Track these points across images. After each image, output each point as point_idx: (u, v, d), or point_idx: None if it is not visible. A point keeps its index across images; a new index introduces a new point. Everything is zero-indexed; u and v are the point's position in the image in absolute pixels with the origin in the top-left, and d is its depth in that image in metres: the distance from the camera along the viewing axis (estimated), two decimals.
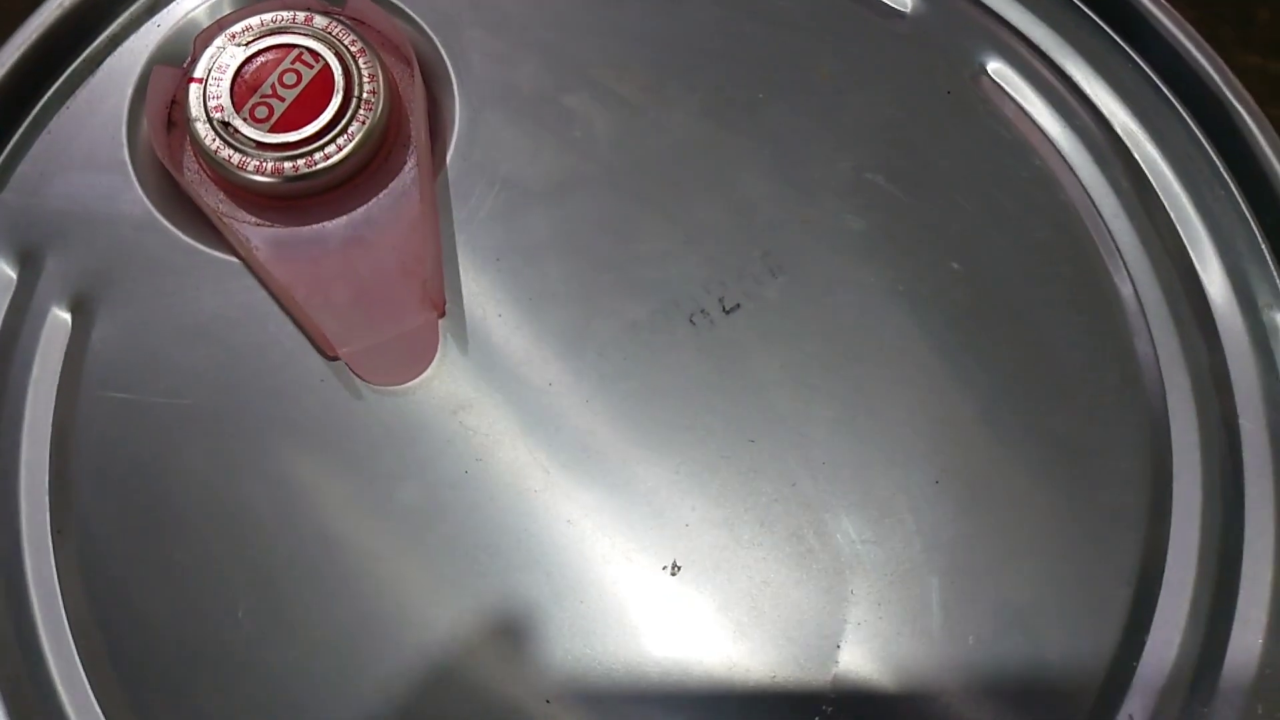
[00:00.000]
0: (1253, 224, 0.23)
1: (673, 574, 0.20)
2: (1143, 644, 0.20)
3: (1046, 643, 0.20)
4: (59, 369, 0.21)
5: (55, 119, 0.23)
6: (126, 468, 0.21)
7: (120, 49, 0.24)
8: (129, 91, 0.23)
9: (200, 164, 0.23)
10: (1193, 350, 0.22)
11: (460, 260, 0.22)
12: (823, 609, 0.20)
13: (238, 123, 0.22)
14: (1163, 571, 0.20)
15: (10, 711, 0.20)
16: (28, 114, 0.23)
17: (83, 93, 0.23)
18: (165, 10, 0.24)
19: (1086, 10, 0.25)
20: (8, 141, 0.23)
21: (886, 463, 0.21)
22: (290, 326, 0.22)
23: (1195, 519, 0.21)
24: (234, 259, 0.22)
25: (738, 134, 0.24)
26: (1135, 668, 0.20)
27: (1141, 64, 0.24)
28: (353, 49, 0.23)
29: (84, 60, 0.24)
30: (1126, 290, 0.23)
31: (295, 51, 0.23)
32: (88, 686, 0.20)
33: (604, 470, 0.21)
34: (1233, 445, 0.22)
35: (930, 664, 0.20)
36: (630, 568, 0.20)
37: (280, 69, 0.23)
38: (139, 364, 0.22)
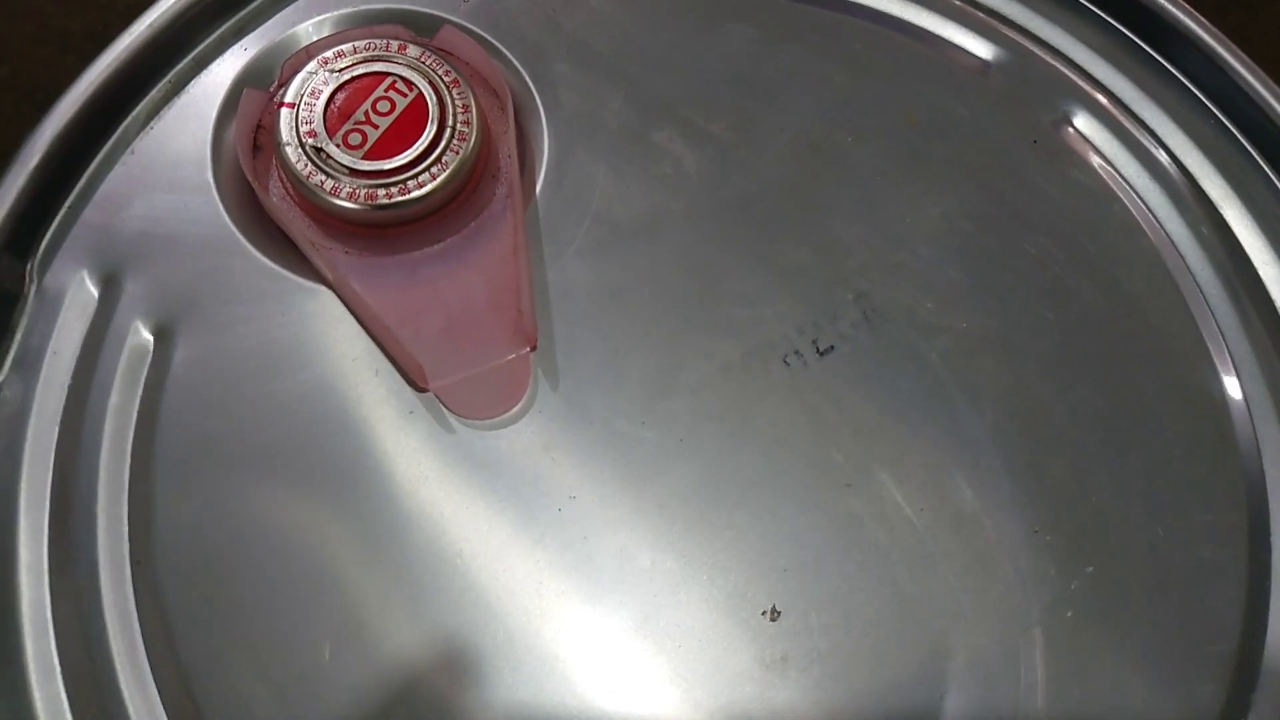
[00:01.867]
0: None
1: (772, 619, 0.20)
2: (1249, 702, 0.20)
3: (1144, 699, 0.20)
4: (139, 393, 0.21)
5: (139, 139, 0.23)
6: (206, 499, 0.20)
7: (206, 71, 0.24)
8: (214, 114, 0.23)
9: (288, 189, 0.23)
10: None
11: (550, 294, 0.22)
12: (923, 658, 0.20)
13: (330, 148, 0.22)
14: (1265, 630, 0.20)
15: None
16: (112, 134, 0.23)
17: (168, 114, 0.23)
18: (252, 34, 0.24)
19: (1167, 64, 0.25)
20: (91, 160, 0.23)
21: (984, 512, 0.21)
22: (379, 357, 0.21)
23: None
24: (319, 285, 0.22)
25: (827, 177, 0.24)
26: None
27: (1223, 118, 0.25)
28: (446, 79, 0.23)
29: (169, 82, 0.23)
30: (1215, 339, 0.23)
31: (389, 80, 0.22)
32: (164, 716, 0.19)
33: (699, 513, 0.21)
34: None
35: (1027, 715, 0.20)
36: (729, 612, 0.20)
37: (374, 96, 0.22)
38: (221, 392, 0.21)
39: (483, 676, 0.19)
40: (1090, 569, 0.21)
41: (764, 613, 0.20)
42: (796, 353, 0.22)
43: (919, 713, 0.20)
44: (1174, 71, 0.25)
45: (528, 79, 0.24)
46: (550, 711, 0.19)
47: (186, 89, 0.23)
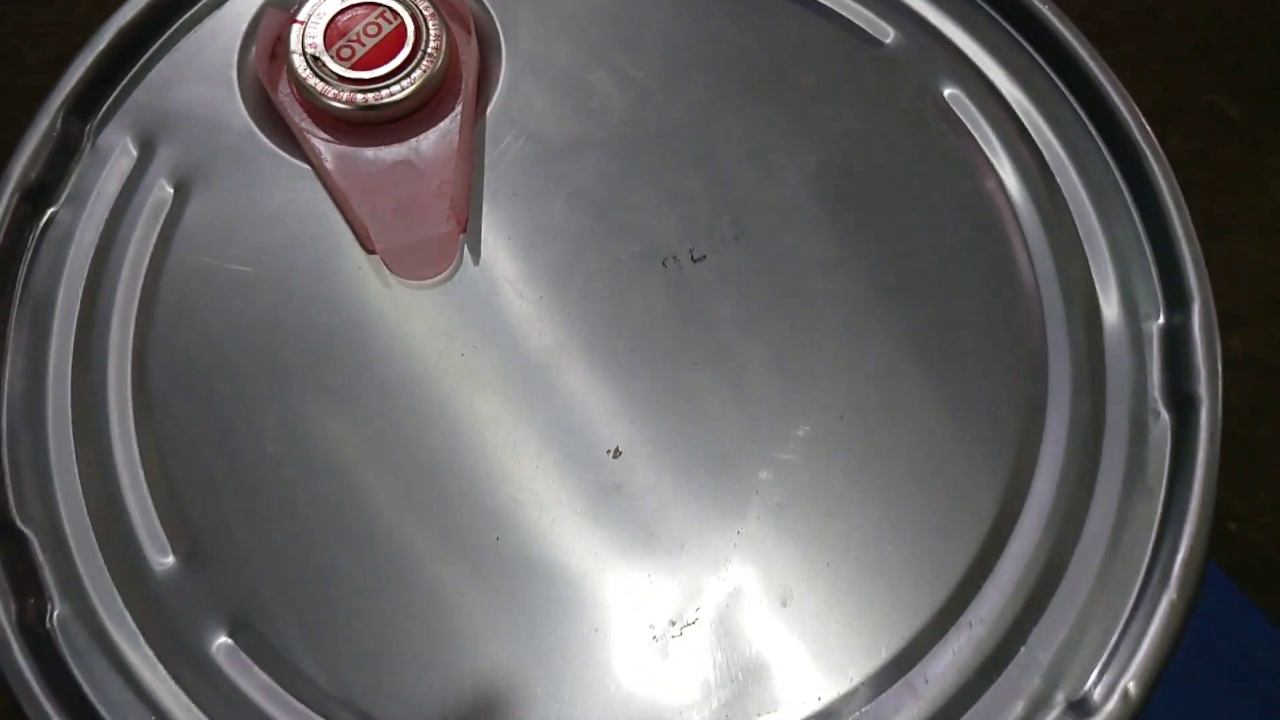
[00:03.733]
0: (1145, 246, 0.27)
1: (615, 457, 0.25)
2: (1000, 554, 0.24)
3: (912, 546, 0.24)
4: (157, 230, 0.27)
5: (185, 38, 0.29)
6: (198, 316, 0.26)
7: None
8: (244, 26, 0.29)
9: (292, 89, 0.28)
10: (1078, 345, 0.26)
11: (485, 192, 0.28)
12: (730, 501, 0.25)
13: (326, 59, 0.28)
14: (1020, 513, 0.25)
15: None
16: (163, 34, 0.29)
17: (209, 22, 0.29)
18: None
19: (1039, 58, 0.29)
20: (145, 53, 0.29)
21: (804, 398, 0.26)
22: (341, 224, 0.27)
23: (1056, 470, 0.25)
24: (306, 166, 0.28)
25: (725, 124, 0.28)
26: (983, 582, 0.24)
27: (1078, 108, 0.29)
28: (425, 13, 0.28)
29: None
30: (1031, 291, 0.27)
31: (379, 9, 0.28)
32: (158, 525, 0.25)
33: (572, 371, 0.26)
34: (1097, 422, 0.26)
35: (814, 547, 0.24)
36: (582, 449, 0.25)
37: (365, 21, 0.28)
38: (218, 236, 0.27)
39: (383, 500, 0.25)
40: (885, 447, 0.25)
41: (609, 451, 0.25)
42: (674, 258, 0.27)
43: (728, 516, 0.24)
44: (1041, 61, 0.29)
45: (496, 20, 0.29)
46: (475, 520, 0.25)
47: (225, 5, 0.29)
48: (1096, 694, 0.23)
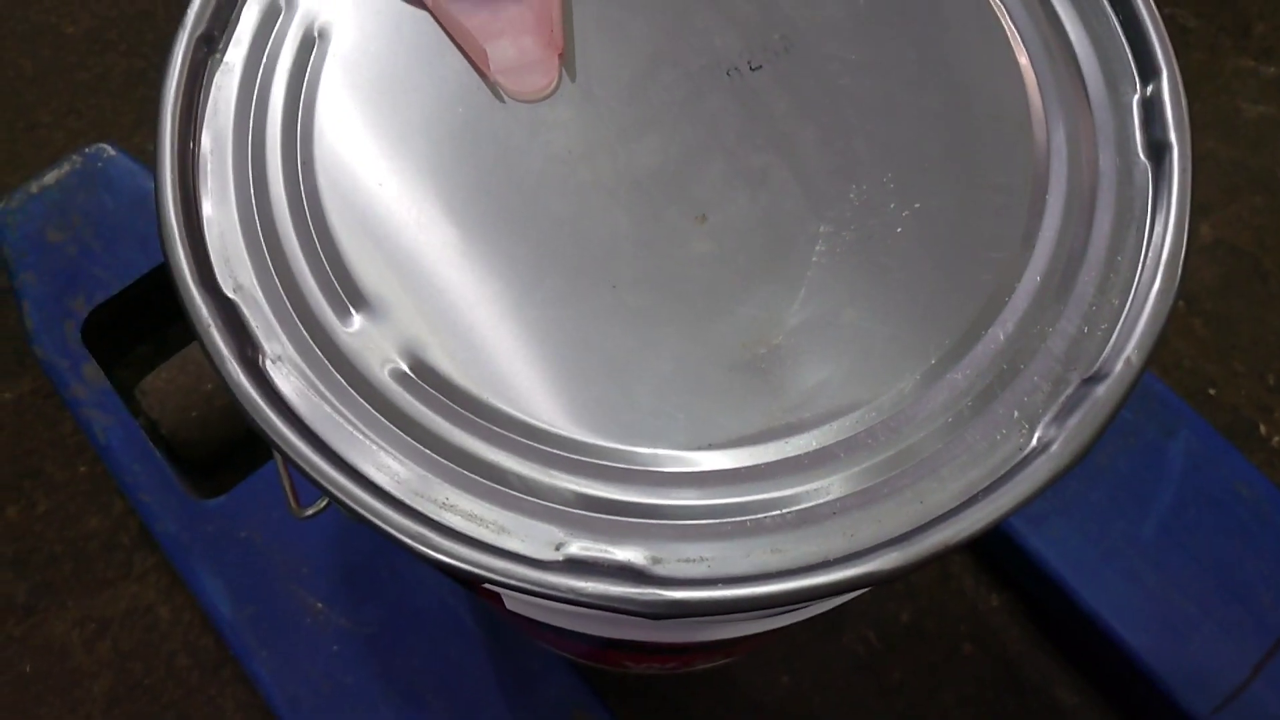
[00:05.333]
0: (1120, 35, 0.33)
1: (701, 223, 0.31)
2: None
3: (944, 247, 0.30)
4: (309, 65, 0.32)
5: None
6: (349, 126, 0.32)
7: None
8: None
9: None
10: (1070, 113, 0.32)
11: (575, 21, 0.33)
12: (799, 247, 0.30)
13: None
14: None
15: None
16: None
17: None
18: None
19: None
20: None
21: (852, 168, 0.31)
22: (460, 58, 0.33)
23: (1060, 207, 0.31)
24: (425, 10, 0.33)
25: None
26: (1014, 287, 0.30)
27: None
28: None
29: None
30: (1030, 76, 0.33)
31: None
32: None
33: (659, 158, 0.32)
34: (1092, 179, 0.31)
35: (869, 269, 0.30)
36: (674, 218, 0.31)
37: None
38: (359, 66, 0.32)
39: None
40: (917, 205, 0.31)
41: (696, 217, 0.31)
42: (735, 69, 0.33)
43: (798, 260, 0.30)
44: None
45: None
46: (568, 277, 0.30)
47: None
48: (1104, 368, 0.29)
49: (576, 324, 0.30)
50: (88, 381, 0.67)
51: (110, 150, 0.72)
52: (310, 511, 0.44)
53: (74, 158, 0.72)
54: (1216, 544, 0.62)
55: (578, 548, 0.27)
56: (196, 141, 0.31)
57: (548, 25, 0.33)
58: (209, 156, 0.31)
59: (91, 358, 0.67)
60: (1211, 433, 0.64)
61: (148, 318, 0.73)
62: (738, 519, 0.28)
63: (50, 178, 0.72)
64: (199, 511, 0.63)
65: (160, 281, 0.73)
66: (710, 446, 0.28)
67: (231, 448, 0.69)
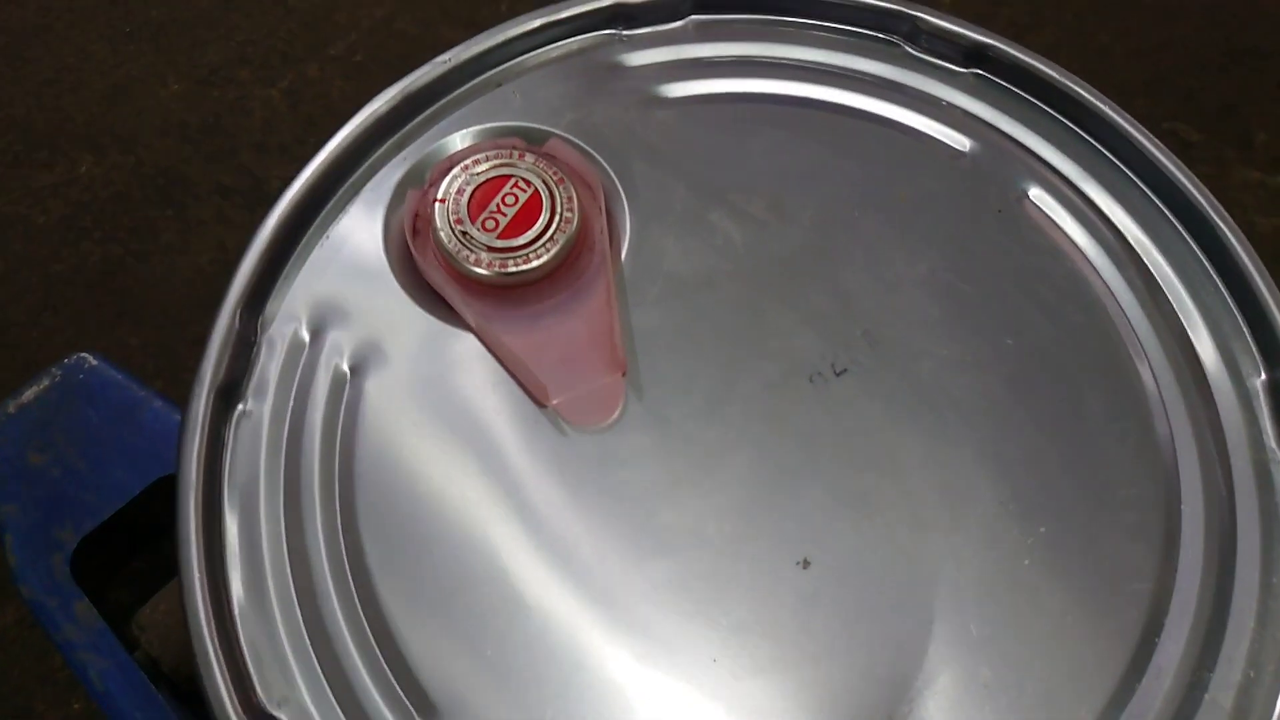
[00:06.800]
0: (1235, 311, 0.30)
1: (805, 568, 0.27)
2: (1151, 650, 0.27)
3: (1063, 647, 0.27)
4: (342, 410, 0.29)
5: (333, 227, 0.31)
6: (397, 484, 0.28)
7: (377, 176, 0.32)
8: (383, 208, 0.31)
9: (441, 261, 0.31)
10: (1194, 408, 0.29)
11: (635, 334, 0.30)
12: (917, 591, 0.27)
13: (473, 231, 0.30)
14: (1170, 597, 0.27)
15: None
16: (313, 223, 0.31)
17: (351, 208, 0.31)
18: (409, 147, 0.32)
19: (1102, 149, 0.33)
20: (300, 243, 0.31)
21: (964, 489, 0.28)
22: (509, 382, 0.29)
23: (1198, 560, 0.28)
24: (465, 331, 0.30)
25: (839, 242, 0.31)
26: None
27: (1145, 189, 0.32)
28: (554, 178, 0.31)
29: (351, 185, 0.32)
30: (1144, 365, 0.30)
31: (513, 180, 0.31)
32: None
33: (750, 492, 0.28)
34: (1228, 486, 0.28)
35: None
36: (772, 563, 0.27)
37: (502, 192, 0.31)
38: (399, 406, 0.29)
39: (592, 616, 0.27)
40: (1043, 529, 0.28)
41: (798, 563, 0.27)
42: (819, 374, 0.30)
43: (911, 634, 0.27)
44: (1104, 151, 0.32)
45: (614, 175, 0.32)
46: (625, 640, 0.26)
47: (363, 190, 0.32)
48: None
49: (682, 708, 0.26)
50: (80, 621, 0.62)
51: (91, 360, 0.68)
52: None
53: (54, 371, 0.68)
54: None
55: None
56: (219, 520, 0.28)
57: (608, 342, 0.30)
58: (237, 540, 0.27)
59: (83, 595, 0.63)
60: None
61: (141, 535, 0.68)
62: None
63: (29, 395, 0.68)
64: None
65: (153, 498, 0.69)
66: None
67: None
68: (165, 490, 0.62)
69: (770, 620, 0.27)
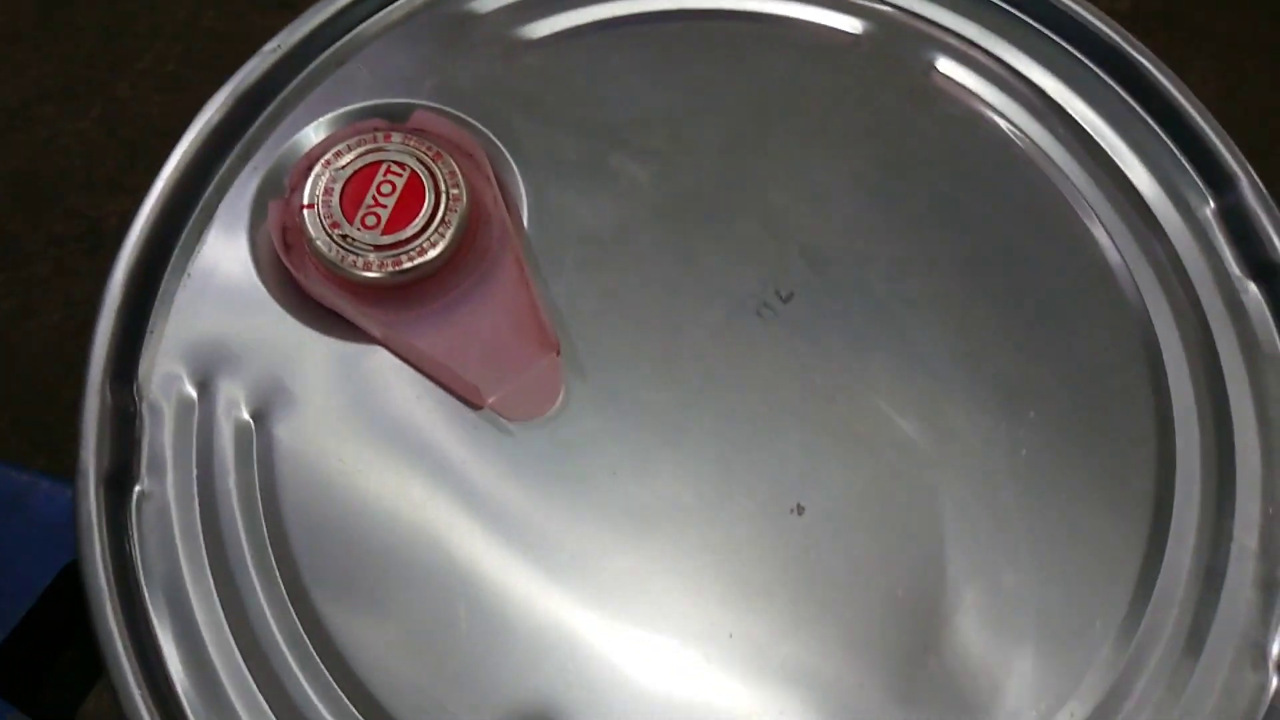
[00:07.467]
0: (1170, 145, 0.29)
1: (799, 514, 0.25)
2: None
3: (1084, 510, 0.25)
4: (255, 465, 0.25)
5: (192, 263, 0.27)
6: (338, 530, 0.25)
7: (229, 194, 0.28)
8: (245, 228, 0.28)
9: (324, 274, 0.27)
10: (1151, 251, 0.28)
11: (560, 305, 0.27)
12: (917, 499, 0.25)
13: (353, 233, 0.26)
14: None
15: None
16: (168, 264, 0.27)
17: (208, 236, 0.27)
18: (258, 154, 0.28)
19: (998, 1, 0.31)
20: (157, 289, 0.27)
21: (938, 393, 0.26)
22: (433, 388, 0.26)
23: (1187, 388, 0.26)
24: (372, 345, 0.27)
25: (753, 161, 0.29)
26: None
27: (1052, 36, 0.30)
28: (429, 154, 0.27)
29: (201, 210, 0.28)
30: (1090, 219, 0.28)
31: (384, 165, 0.27)
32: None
33: (719, 449, 0.26)
34: (1203, 324, 0.27)
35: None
36: (767, 515, 0.25)
37: (376, 182, 0.27)
38: (320, 445, 0.25)
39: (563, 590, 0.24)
40: (1031, 414, 0.26)
41: (791, 511, 0.25)
42: (766, 305, 0.27)
43: (924, 557, 0.25)
44: (1001, 4, 0.30)
45: (494, 138, 0.29)
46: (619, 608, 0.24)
47: (217, 212, 0.28)
48: None
49: (695, 701, 0.24)
50: None
51: None
52: None
53: None
54: None
55: None
56: (146, 622, 0.24)
57: (532, 321, 0.27)
58: (172, 641, 0.24)
59: (11, 706, 0.57)
60: None
61: (64, 626, 0.63)
62: None
63: None
64: None
65: (67, 585, 0.64)
66: None
67: None
68: (76, 575, 0.56)
69: (778, 578, 0.25)
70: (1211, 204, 0.28)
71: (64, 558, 0.57)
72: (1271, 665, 0.24)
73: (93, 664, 0.63)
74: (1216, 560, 0.25)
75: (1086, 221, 0.28)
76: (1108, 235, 0.28)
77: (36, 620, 0.61)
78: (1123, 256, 0.28)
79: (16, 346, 0.72)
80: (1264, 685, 0.24)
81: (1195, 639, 0.24)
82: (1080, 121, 0.29)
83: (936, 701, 0.24)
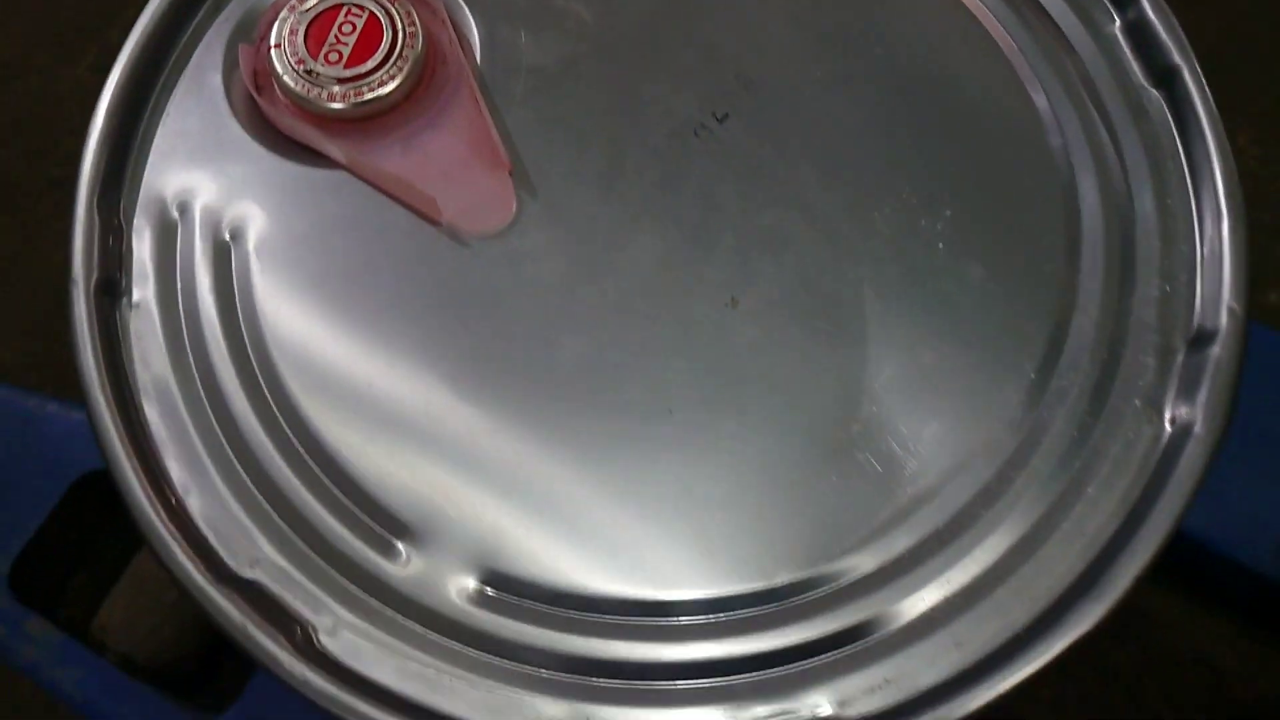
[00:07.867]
0: None
1: (734, 307, 0.27)
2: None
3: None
4: (234, 277, 0.28)
5: (170, 104, 0.29)
6: (307, 343, 0.27)
7: (203, 41, 0.30)
8: (219, 71, 0.30)
9: (294, 110, 0.29)
10: (1062, 70, 0.30)
11: (512, 131, 0.29)
12: (841, 307, 0.27)
13: (317, 68, 0.29)
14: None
15: None
16: (147, 106, 0.29)
17: (185, 80, 0.30)
18: (229, 7, 0.31)
19: None
20: (138, 131, 0.29)
21: (864, 196, 0.28)
22: (396, 209, 0.28)
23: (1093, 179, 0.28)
24: (339, 170, 0.29)
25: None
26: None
27: None
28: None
29: (178, 56, 0.30)
30: (1003, 39, 0.30)
31: (345, 8, 0.29)
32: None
33: (661, 251, 0.28)
34: (1110, 129, 0.29)
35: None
36: (706, 307, 0.27)
37: (337, 23, 0.29)
38: (295, 257, 0.28)
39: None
40: (948, 212, 0.28)
41: (726, 304, 0.27)
42: (703, 126, 0.29)
43: (849, 339, 0.27)
44: None
45: None
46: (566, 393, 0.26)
47: (192, 58, 0.30)
48: (1206, 323, 0.26)
49: (649, 469, 0.26)
50: (36, 640, 0.60)
51: None
52: None
53: None
54: None
55: (761, 712, 0.24)
56: (138, 410, 0.26)
57: (487, 145, 0.29)
58: (161, 426, 0.26)
59: (30, 613, 0.60)
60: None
61: (80, 544, 0.65)
62: (907, 622, 0.25)
63: None
64: None
65: (80, 501, 0.66)
66: (845, 552, 0.25)
67: (218, 650, 0.63)
68: (88, 489, 0.59)
69: (715, 363, 0.27)
70: (1117, 21, 0.30)
71: (76, 470, 0.60)
72: (1166, 420, 0.26)
73: (105, 583, 0.66)
74: (1118, 332, 0.27)
75: (1000, 43, 0.30)
76: (1021, 54, 0.30)
77: (54, 533, 0.63)
78: (1035, 73, 0.30)
79: (19, 283, 0.74)
80: (1158, 436, 0.26)
81: (1097, 401, 0.26)
82: None
83: (859, 458, 0.26)
